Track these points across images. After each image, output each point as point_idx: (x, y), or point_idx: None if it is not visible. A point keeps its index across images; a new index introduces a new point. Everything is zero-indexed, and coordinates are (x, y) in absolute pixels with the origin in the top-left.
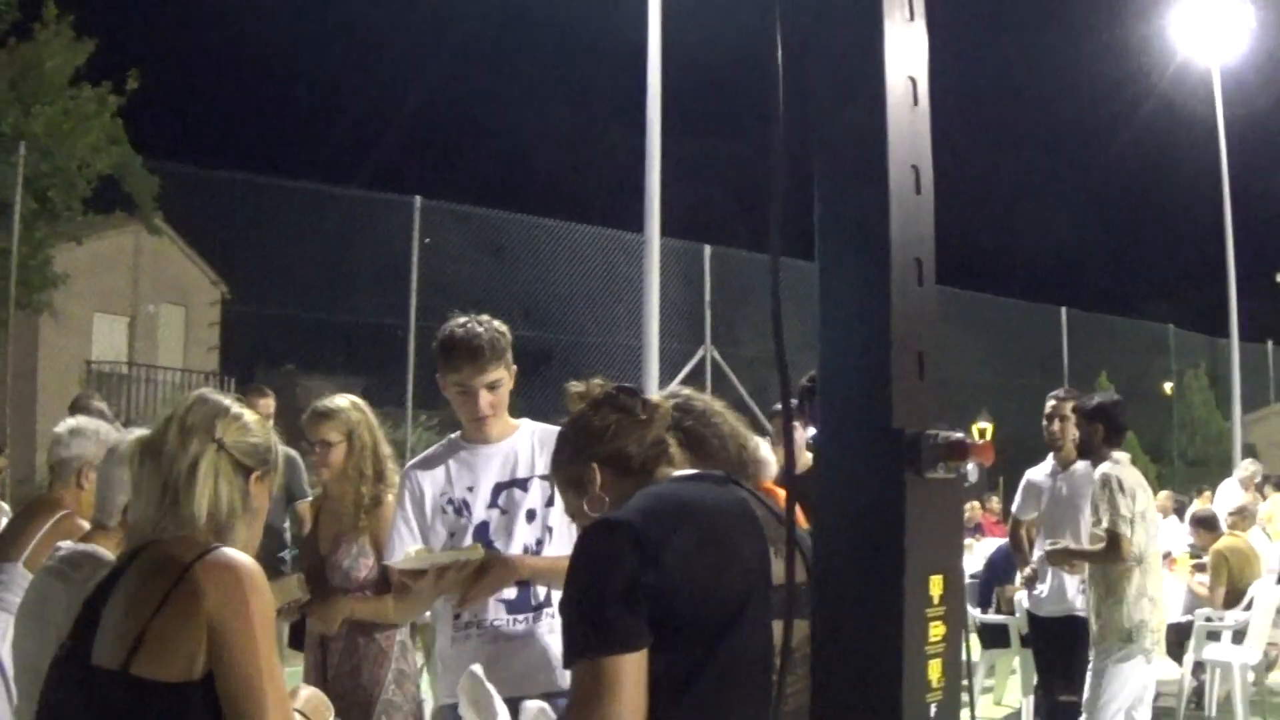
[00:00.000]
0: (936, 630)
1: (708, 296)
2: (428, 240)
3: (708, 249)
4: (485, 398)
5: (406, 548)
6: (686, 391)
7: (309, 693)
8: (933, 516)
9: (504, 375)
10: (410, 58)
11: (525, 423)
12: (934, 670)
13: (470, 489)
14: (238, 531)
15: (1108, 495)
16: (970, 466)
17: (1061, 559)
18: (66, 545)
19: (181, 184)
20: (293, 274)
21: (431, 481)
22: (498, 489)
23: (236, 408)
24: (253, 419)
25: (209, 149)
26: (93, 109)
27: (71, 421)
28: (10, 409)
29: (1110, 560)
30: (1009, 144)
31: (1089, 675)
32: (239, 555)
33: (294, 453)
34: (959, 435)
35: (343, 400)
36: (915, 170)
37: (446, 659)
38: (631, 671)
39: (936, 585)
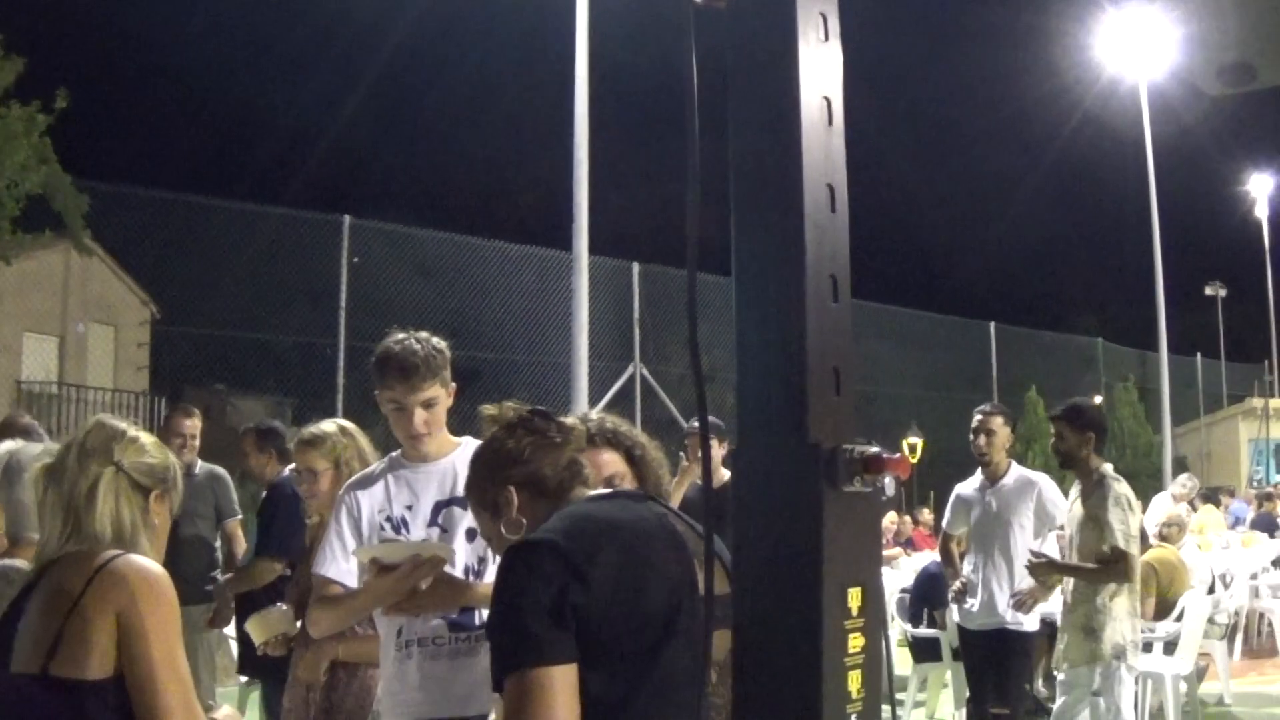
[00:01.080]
0: (855, 642)
1: (637, 314)
2: (356, 259)
3: (636, 267)
4: (419, 415)
5: (338, 562)
6: (598, 415)
7: (229, 712)
8: (850, 529)
9: (440, 393)
10: (339, 76)
11: (467, 440)
12: (854, 681)
13: (409, 507)
14: (141, 548)
15: (1120, 514)
16: (887, 480)
17: (1047, 572)
18: None
19: (111, 203)
20: (222, 293)
21: (369, 499)
22: (438, 507)
23: (133, 431)
24: (149, 441)
25: (138, 168)
26: (21, 128)
27: (0, 448)
28: None
29: (1115, 579)
30: (938, 161)
31: (1111, 704)
32: (145, 560)
33: (222, 471)
34: (875, 449)
35: (330, 426)
36: (830, 189)
37: (389, 679)
38: (562, 683)
39: (855, 597)
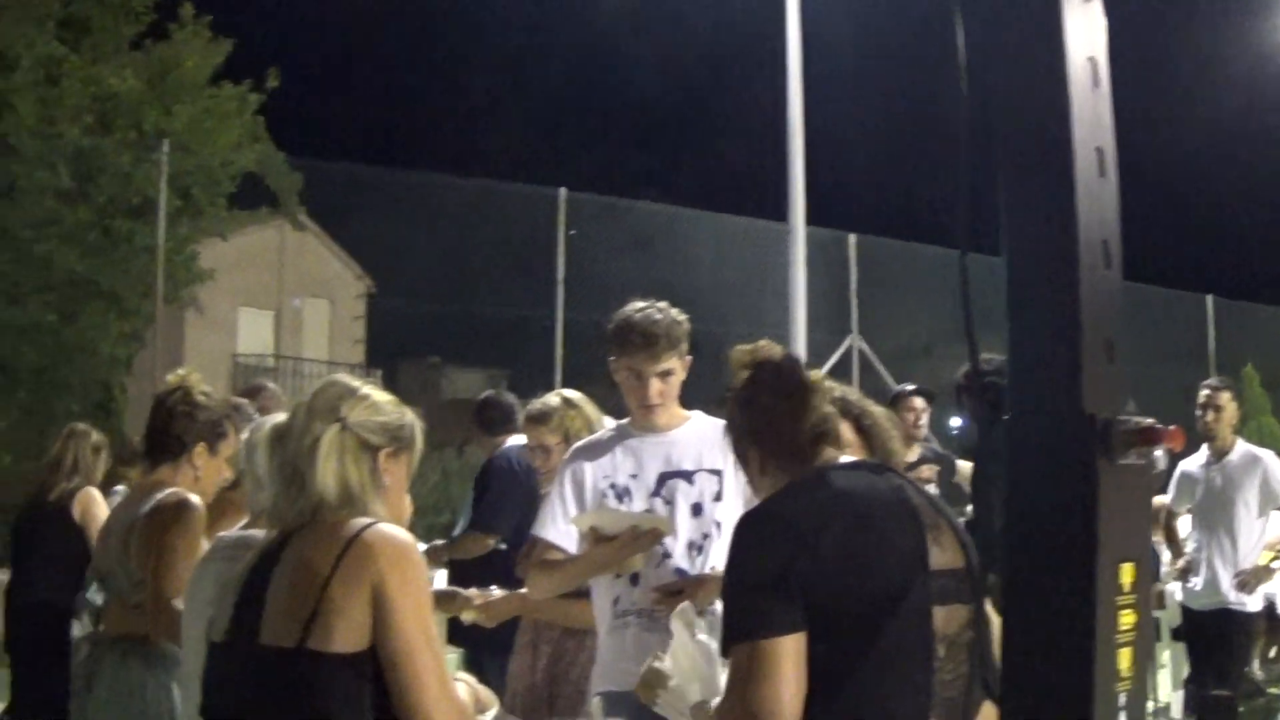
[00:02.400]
0: (1127, 619)
1: (854, 286)
2: (573, 232)
3: (853, 238)
4: (655, 386)
5: (557, 526)
6: (848, 392)
7: (468, 679)
8: (1124, 503)
9: (677, 365)
10: (552, 49)
11: (697, 415)
12: (1124, 659)
13: (634, 476)
14: (374, 509)
15: None
16: (1159, 453)
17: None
18: (229, 534)
19: (324, 179)
20: (436, 267)
21: (594, 465)
22: (662, 478)
23: (366, 389)
24: (383, 399)
25: (351, 144)
26: (234, 107)
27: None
28: None
29: None
30: (1150, 127)
31: None
32: (394, 529)
33: None
34: (1150, 420)
35: (555, 399)
36: (1099, 152)
37: (604, 648)
38: (789, 653)
39: (1128, 573)
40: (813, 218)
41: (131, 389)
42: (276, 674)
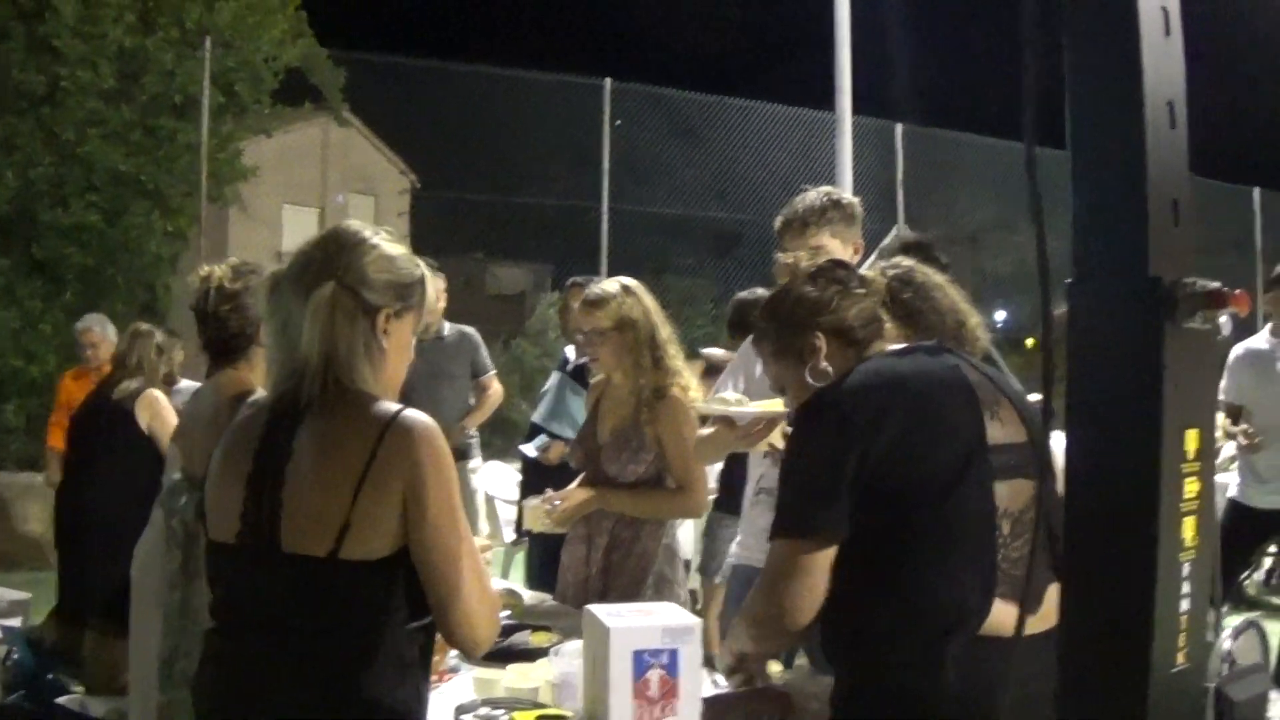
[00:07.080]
0: (1191, 487)
1: (900, 176)
2: (619, 122)
3: (899, 127)
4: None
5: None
6: (908, 263)
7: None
8: (1190, 368)
9: (826, 242)
10: None
11: None
12: (1188, 528)
13: None
14: (363, 377)
15: None
16: (1223, 318)
17: None
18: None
19: (367, 74)
20: (481, 161)
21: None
22: None
23: (374, 239)
24: (392, 252)
25: (394, 37)
26: (276, 3)
27: None
28: None
29: None
30: (1196, 18)
31: None
32: (424, 418)
33: (471, 330)
34: (1216, 284)
35: (613, 285)
36: (1164, 11)
37: (744, 520)
38: (821, 561)
39: (1192, 440)
40: (859, 107)
41: (177, 288)
42: (305, 583)
